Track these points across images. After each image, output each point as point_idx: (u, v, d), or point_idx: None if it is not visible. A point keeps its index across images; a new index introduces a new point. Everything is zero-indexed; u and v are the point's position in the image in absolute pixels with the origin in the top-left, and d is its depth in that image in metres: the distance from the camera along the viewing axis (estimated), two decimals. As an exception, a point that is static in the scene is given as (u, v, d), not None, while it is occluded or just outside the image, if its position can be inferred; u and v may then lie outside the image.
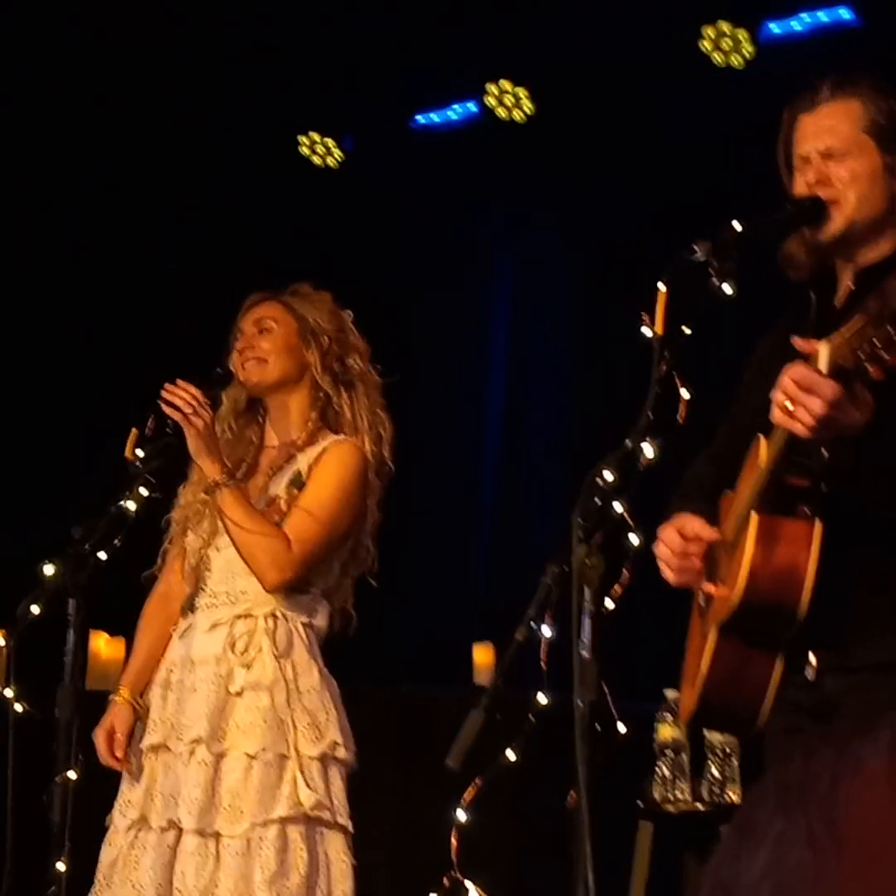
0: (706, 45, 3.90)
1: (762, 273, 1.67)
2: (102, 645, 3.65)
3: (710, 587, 1.70)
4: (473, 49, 4.14)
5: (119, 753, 2.27)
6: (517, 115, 4.25)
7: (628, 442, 1.52)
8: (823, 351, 1.44)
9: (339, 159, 4.50)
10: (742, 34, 3.87)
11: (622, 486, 1.51)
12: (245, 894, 2.15)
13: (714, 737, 2.98)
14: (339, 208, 4.43)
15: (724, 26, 3.87)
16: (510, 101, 4.25)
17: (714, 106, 3.90)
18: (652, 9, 3.87)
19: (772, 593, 1.57)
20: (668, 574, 1.72)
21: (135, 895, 2.19)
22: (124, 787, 2.29)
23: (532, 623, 1.48)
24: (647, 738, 3.02)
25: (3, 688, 2.15)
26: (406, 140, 4.45)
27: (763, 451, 1.65)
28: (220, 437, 2.36)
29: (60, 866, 2.07)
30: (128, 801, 2.27)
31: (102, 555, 2.13)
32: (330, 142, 4.49)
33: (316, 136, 4.49)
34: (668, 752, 3.02)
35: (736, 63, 3.88)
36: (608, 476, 1.50)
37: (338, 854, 2.23)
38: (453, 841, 1.56)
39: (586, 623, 1.45)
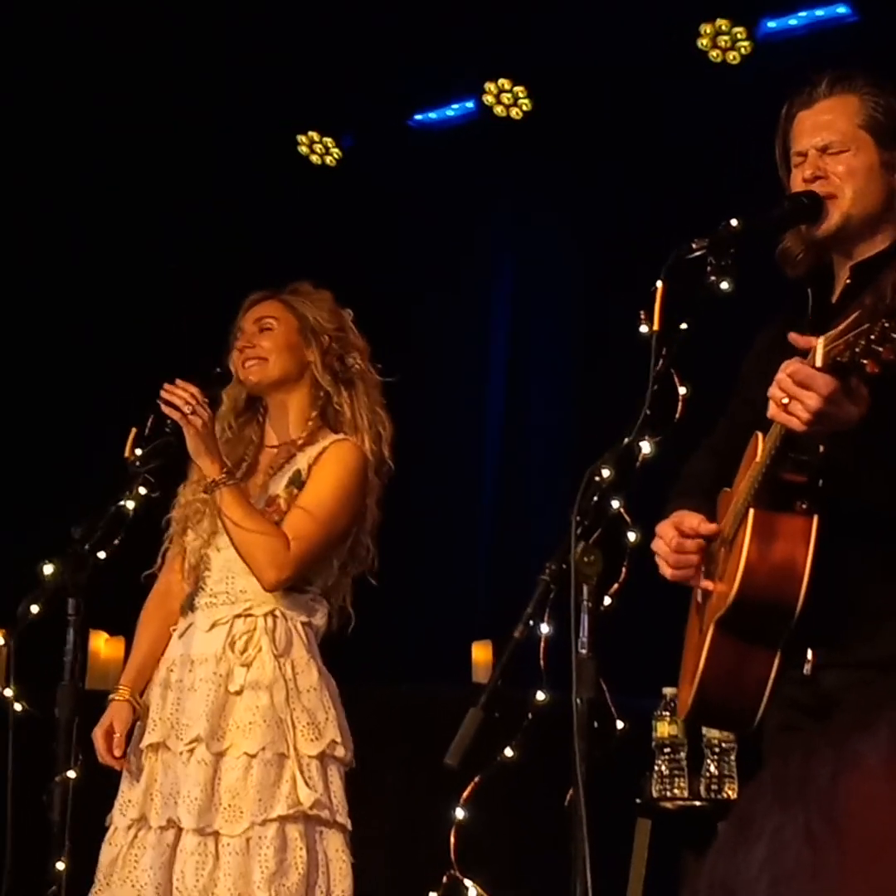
0: (704, 42, 3.89)
1: (760, 269, 1.67)
2: (102, 644, 3.65)
3: (707, 584, 1.70)
4: (471, 48, 4.14)
5: (118, 752, 2.27)
6: (515, 114, 4.25)
7: (626, 439, 1.52)
8: (819, 346, 1.44)
9: (337, 158, 4.50)
10: (739, 31, 3.86)
11: (620, 483, 1.51)
12: (244, 893, 2.15)
13: (712, 734, 2.99)
14: (338, 207, 4.42)
15: (722, 23, 3.86)
16: (508, 99, 4.24)
17: (712, 103, 3.90)
18: (650, 7, 3.87)
19: (769, 589, 1.57)
20: (665, 570, 1.72)
21: (134, 894, 2.19)
22: (124, 786, 2.29)
23: (531, 621, 1.48)
24: (645, 735, 3.02)
25: (3, 687, 2.16)
26: (405, 139, 4.45)
27: (760, 447, 1.65)
28: (220, 436, 2.36)
29: (60, 866, 2.07)
30: (128, 800, 2.27)
31: (102, 554, 2.13)
32: (329, 141, 4.49)
33: (315, 135, 4.49)
34: (667, 749, 3.02)
35: (733, 60, 3.88)
36: (606, 473, 1.50)
37: (337, 853, 2.23)
38: (452, 839, 1.56)
39: (584, 620, 1.45)
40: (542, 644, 1.49)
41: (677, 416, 1.56)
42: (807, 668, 1.63)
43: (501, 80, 4.22)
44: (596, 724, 1.45)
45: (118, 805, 2.28)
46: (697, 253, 1.61)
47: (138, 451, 2.20)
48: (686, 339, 1.58)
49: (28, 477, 4.08)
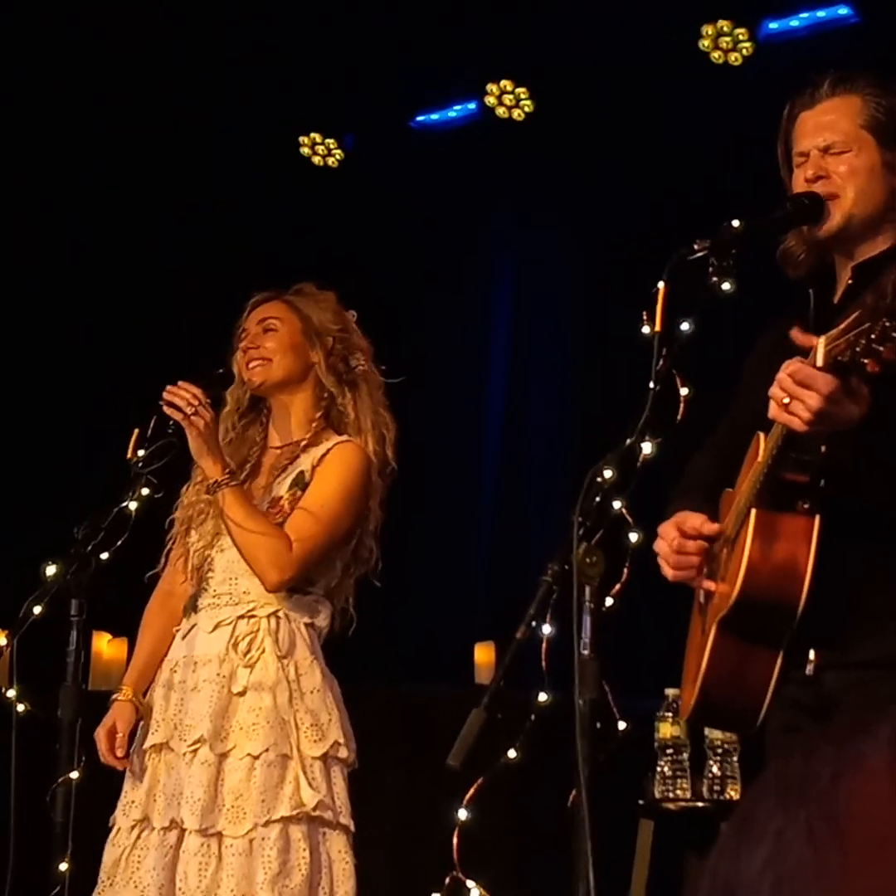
0: (705, 43, 3.90)
1: (761, 270, 1.67)
2: (104, 645, 3.65)
3: (709, 584, 1.70)
4: (473, 49, 4.14)
5: (120, 753, 2.27)
6: (517, 115, 4.25)
7: (628, 439, 1.52)
8: (820, 345, 1.45)
9: (339, 159, 4.50)
10: (741, 32, 3.87)
11: (622, 484, 1.51)
12: (247, 894, 2.15)
13: (714, 735, 2.99)
14: (340, 208, 4.43)
15: (724, 24, 3.87)
16: (510, 100, 4.25)
17: (713, 104, 3.90)
18: (652, 8, 3.87)
19: (771, 589, 1.57)
20: (666, 570, 1.72)
21: (137, 895, 2.19)
22: (127, 787, 2.30)
23: (533, 622, 1.48)
24: (647, 736, 3.02)
25: (6, 688, 2.16)
26: (407, 140, 4.45)
27: (762, 447, 1.66)
28: (223, 437, 2.36)
29: (63, 867, 2.07)
30: (131, 801, 2.27)
31: (104, 555, 2.13)
32: (331, 142, 4.49)
33: (317, 136, 4.49)
34: (669, 750, 3.03)
35: (735, 61, 3.88)
36: (608, 474, 1.50)
37: (340, 854, 2.23)
38: (455, 840, 1.56)
39: (587, 621, 1.45)
40: (544, 645, 1.49)
41: (679, 416, 1.56)
42: (809, 669, 1.63)
43: (503, 82, 4.22)
44: (598, 725, 1.45)
45: (121, 806, 2.28)
46: (699, 254, 1.61)
47: (140, 452, 2.20)
48: (688, 340, 1.58)
49: (28, 477, 4.08)
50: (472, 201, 4.39)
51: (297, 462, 2.37)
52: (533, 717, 1.52)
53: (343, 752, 2.25)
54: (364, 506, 2.35)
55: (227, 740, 2.20)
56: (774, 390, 1.51)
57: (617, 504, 1.52)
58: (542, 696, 1.55)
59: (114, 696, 2.34)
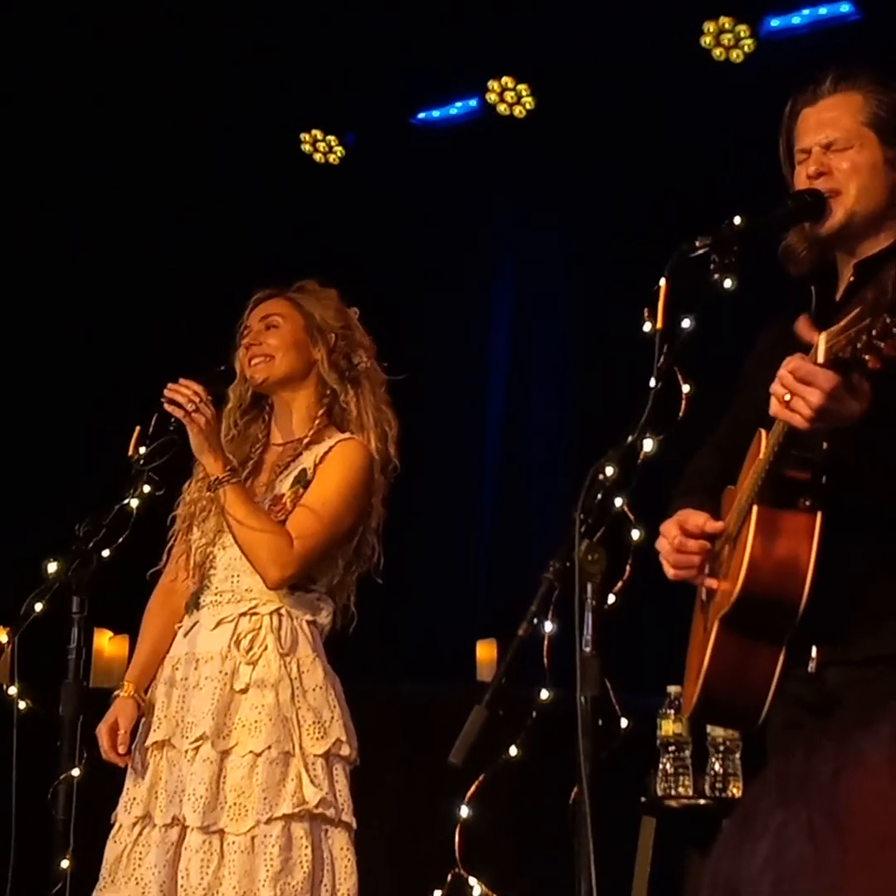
0: (707, 40, 3.89)
1: (763, 267, 1.67)
2: (106, 642, 3.65)
3: (711, 582, 1.70)
4: (474, 46, 4.13)
5: (122, 749, 2.27)
6: (518, 112, 4.25)
7: (629, 437, 1.52)
8: (821, 342, 1.44)
9: (340, 156, 4.50)
10: (743, 29, 3.86)
11: (623, 481, 1.51)
12: (249, 892, 2.15)
13: (716, 732, 2.99)
14: (341, 206, 4.42)
15: (725, 21, 3.86)
16: (511, 97, 4.24)
17: (715, 102, 3.89)
18: (653, 5, 3.87)
19: (773, 586, 1.57)
20: (667, 569, 1.72)
21: (139, 892, 2.20)
22: (128, 783, 2.30)
23: (534, 619, 1.48)
24: (649, 733, 3.02)
25: (7, 685, 2.16)
26: (408, 137, 4.45)
27: (763, 444, 1.65)
28: (225, 434, 2.37)
29: (65, 864, 2.07)
30: (132, 798, 2.27)
31: (106, 552, 2.13)
32: (332, 139, 4.49)
33: (318, 134, 4.49)
34: (671, 747, 3.03)
35: (736, 58, 3.88)
36: (609, 471, 1.50)
37: (342, 851, 2.23)
38: (456, 837, 1.56)
39: (588, 618, 1.45)
40: (546, 642, 1.49)
41: (681, 414, 1.56)
42: (811, 666, 1.63)
43: (504, 79, 4.21)
44: (600, 723, 1.45)
45: (122, 802, 2.29)
46: (701, 251, 1.61)
47: (142, 450, 2.20)
48: (689, 337, 1.58)
49: (29, 476, 4.09)
50: (473, 199, 4.39)
51: (300, 459, 2.37)
52: (534, 714, 1.52)
53: (345, 750, 2.25)
54: (366, 503, 2.35)
55: (230, 737, 2.21)
56: (775, 387, 1.51)
57: (619, 501, 1.52)
58: (544, 694, 1.55)
59: (115, 693, 2.34)
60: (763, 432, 1.67)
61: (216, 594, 2.31)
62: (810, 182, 1.72)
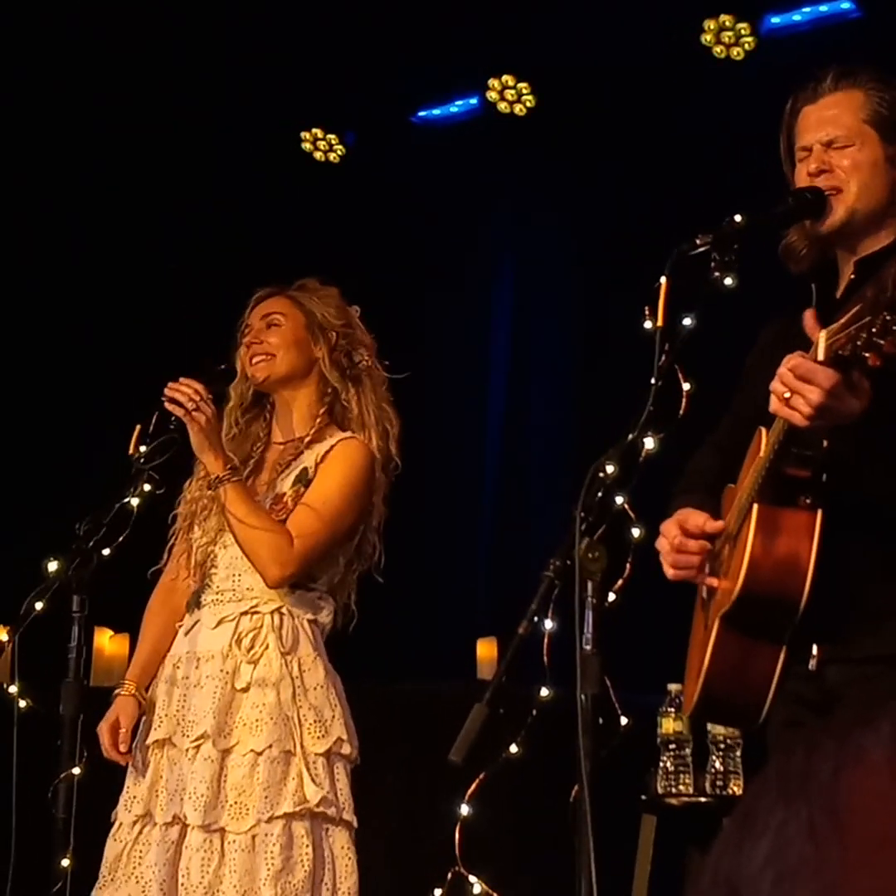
0: (707, 38, 3.89)
1: (764, 265, 1.67)
2: (106, 641, 3.66)
3: (712, 580, 1.70)
4: (475, 44, 4.13)
5: (123, 748, 2.27)
6: (519, 110, 4.25)
7: (630, 435, 1.52)
8: (821, 340, 1.44)
9: (340, 155, 4.50)
10: (743, 27, 3.86)
11: (624, 479, 1.51)
12: (250, 890, 2.15)
13: (717, 730, 2.99)
14: (341, 205, 4.42)
15: (726, 19, 3.86)
16: (512, 95, 4.24)
17: (716, 99, 3.89)
18: (653, 3, 3.87)
19: (773, 584, 1.57)
20: (667, 569, 1.72)
21: (139, 891, 2.20)
22: (129, 782, 2.30)
23: (535, 617, 1.48)
24: (650, 731, 3.02)
25: (8, 684, 2.16)
26: (408, 136, 4.45)
27: (764, 442, 1.65)
28: (227, 432, 2.37)
29: (65, 863, 2.07)
30: (132, 796, 2.27)
31: (106, 551, 2.13)
32: (332, 137, 4.49)
33: (318, 132, 4.49)
34: (672, 745, 3.02)
35: (737, 56, 3.88)
36: (610, 469, 1.50)
37: (343, 850, 2.23)
38: (456, 835, 1.56)
39: (589, 616, 1.45)
40: (547, 640, 1.49)
41: (681, 412, 1.56)
42: (812, 664, 1.63)
43: (505, 77, 4.21)
44: (600, 721, 1.45)
45: (123, 801, 2.29)
46: (701, 248, 1.61)
47: (142, 448, 2.20)
48: (690, 335, 1.58)
49: (29, 476, 4.09)
50: (474, 197, 4.39)
51: (301, 458, 2.37)
52: (535, 712, 1.52)
53: (346, 749, 2.25)
54: (367, 502, 2.35)
55: (231, 736, 2.21)
56: (775, 385, 1.51)
57: (619, 499, 1.52)
58: (544, 692, 1.55)
59: (116, 691, 2.34)
60: (763, 430, 1.67)
61: (217, 593, 2.31)
62: (811, 180, 1.72)
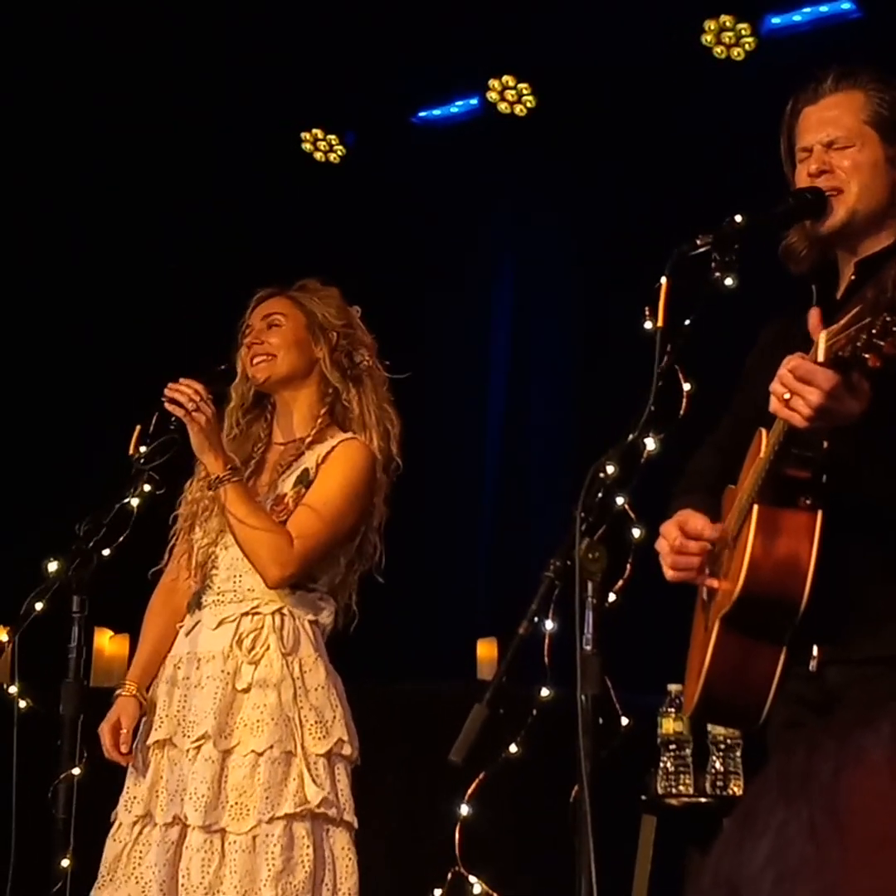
0: (708, 38, 3.89)
1: (764, 266, 1.67)
2: (106, 642, 3.66)
3: (712, 581, 1.70)
4: (475, 45, 4.13)
5: (124, 748, 2.27)
6: (519, 110, 4.25)
7: (631, 435, 1.52)
8: (821, 341, 1.44)
9: (341, 155, 4.50)
10: (744, 27, 3.86)
11: (624, 480, 1.51)
12: (250, 891, 2.15)
13: (717, 730, 2.99)
14: (341, 205, 4.42)
15: (726, 19, 3.86)
16: (512, 95, 4.24)
17: (716, 100, 3.89)
18: (653, 4, 3.87)
19: (773, 585, 1.57)
20: (667, 571, 1.72)
21: (138, 891, 2.20)
22: (129, 782, 2.30)
23: (535, 617, 1.48)
24: (650, 731, 3.02)
25: (8, 684, 2.16)
26: (408, 136, 4.45)
27: (764, 443, 1.65)
28: (228, 433, 2.37)
29: (65, 863, 2.07)
30: (132, 796, 2.27)
31: (106, 551, 2.13)
32: (332, 138, 4.49)
33: (318, 132, 4.49)
34: (672, 745, 3.02)
35: (737, 56, 3.88)
36: (610, 469, 1.50)
37: (343, 851, 2.23)
38: (456, 836, 1.56)
39: (589, 617, 1.45)
40: (547, 640, 1.49)
41: (682, 412, 1.56)
42: (812, 665, 1.63)
43: (505, 77, 4.21)
44: (601, 721, 1.45)
45: (123, 801, 2.29)
46: (701, 249, 1.61)
47: (142, 449, 2.20)
48: (690, 336, 1.58)
49: (29, 476, 4.09)
50: (474, 198, 4.39)
51: (302, 459, 2.37)
52: (535, 712, 1.52)
53: (347, 749, 2.25)
54: (368, 503, 2.35)
55: (232, 737, 2.21)
56: (775, 386, 1.51)
57: (620, 500, 1.52)
58: (545, 692, 1.55)
59: (117, 692, 2.34)
60: (763, 431, 1.67)
61: (218, 594, 2.31)
62: (811, 180, 1.72)
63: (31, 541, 2.48)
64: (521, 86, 4.21)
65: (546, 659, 1.50)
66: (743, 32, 3.87)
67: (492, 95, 4.25)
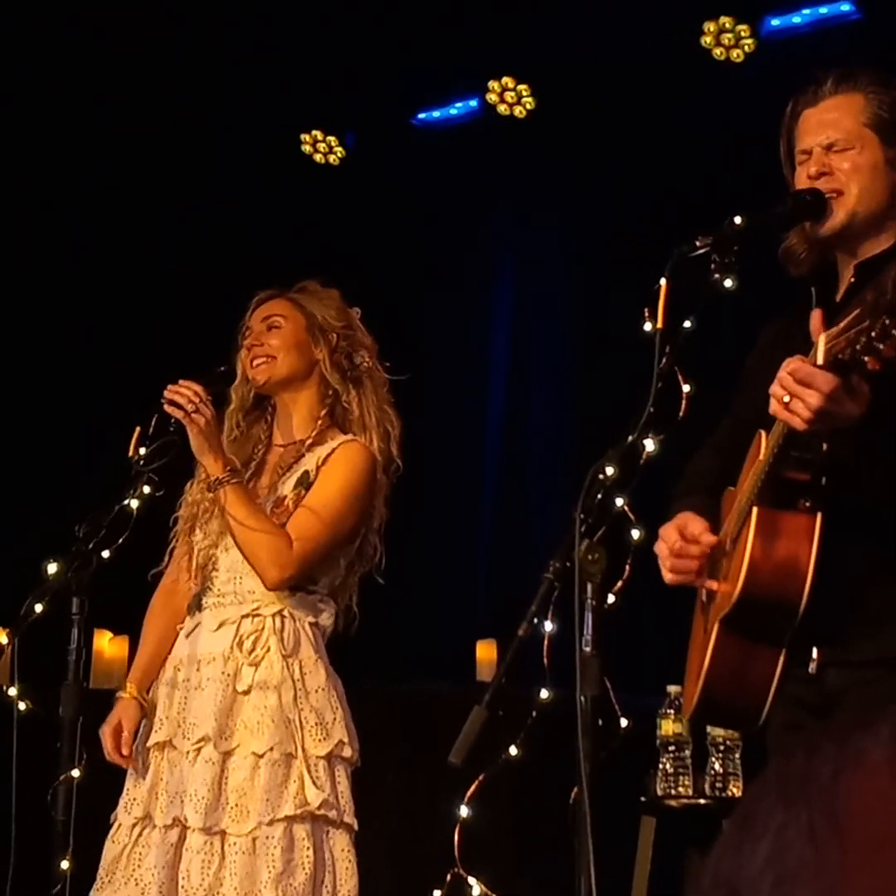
0: (707, 40, 3.89)
1: (763, 267, 1.67)
2: (106, 643, 3.65)
3: (711, 583, 1.70)
4: (475, 46, 4.13)
5: (125, 751, 2.27)
6: (519, 112, 4.25)
7: (630, 436, 1.52)
8: (820, 343, 1.44)
9: (340, 157, 4.50)
10: (743, 29, 3.86)
11: (624, 481, 1.51)
12: (250, 893, 2.15)
13: (716, 732, 2.99)
14: (341, 206, 4.42)
15: (726, 21, 3.86)
16: (511, 97, 4.24)
17: (716, 101, 3.89)
18: (654, 5, 3.87)
19: (773, 587, 1.57)
20: (665, 573, 1.72)
21: (138, 893, 2.19)
22: (129, 784, 2.30)
23: (535, 619, 1.48)
24: (649, 733, 3.02)
25: (7, 686, 2.16)
26: (408, 137, 4.45)
27: (763, 445, 1.65)
28: (228, 434, 2.37)
29: (64, 865, 2.07)
30: (132, 798, 2.27)
31: (106, 553, 2.13)
32: (332, 139, 4.49)
33: (318, 134, 4.49)
34: (671, 747, 3.02)
35: (737, 58, 3.88)
36: (610, 471, 1.50)
37: (343, 852, 2.23)
38: (456, 837, 1.56)
39: (588, 618, 1.45)
40: (546, 642, 1.49)
41: (681, 413, 1.56)
42: (812, 667, 1.63)
43: (505, 79, 4.21)
44: (600, 722, 1.45)
45: (122, 803, 2.28)
46: (701, 250, 1.61)
47: (142, 450, 2.20)
48: (689, 337, 1.58)
49: (28, 477, 4.09)
50: (474, 199, 4.39)
51: (302, 461, 2.36)
52: (534, 714, 1.52)
53: (347, 751, 2.25)
54: (368, 504, 2.35)
55: (232, 739, 2.20)
56: (775, 388, 1.51)
57: (619, 501, 1.52)
58: (544, 693, 1.55)
59: (118, 694, 2.34)
60: (763, 433, 1.67)
61: (219, 596, 2.31)
62: (811, 182, 1.72)
63: (31, 542, 2.48)
64: (520, 87, 4.22)
65: (545, 660, 1.50)
66: (742, 34, 3.87)
67: (491, 97, 4.25)
